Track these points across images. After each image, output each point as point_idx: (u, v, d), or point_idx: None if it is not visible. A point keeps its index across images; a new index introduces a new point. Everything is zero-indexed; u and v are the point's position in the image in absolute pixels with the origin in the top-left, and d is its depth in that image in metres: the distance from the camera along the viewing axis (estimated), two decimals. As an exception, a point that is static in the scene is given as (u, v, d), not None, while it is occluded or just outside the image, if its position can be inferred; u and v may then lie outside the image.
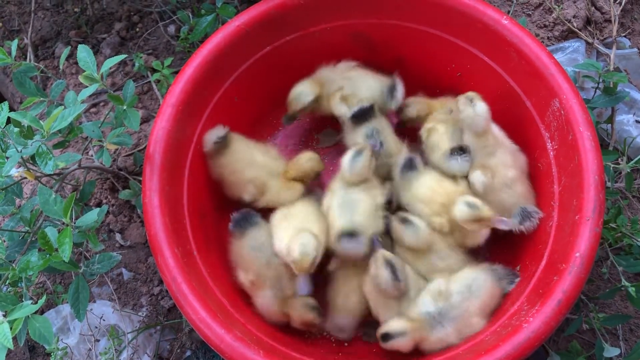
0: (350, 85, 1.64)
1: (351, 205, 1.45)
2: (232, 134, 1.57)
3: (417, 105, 1.65)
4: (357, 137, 1.58)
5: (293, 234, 1.38)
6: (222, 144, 1.54)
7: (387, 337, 1.35)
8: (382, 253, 1.38)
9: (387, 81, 1.66)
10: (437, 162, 1.54)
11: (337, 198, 1.48)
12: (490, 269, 1.41)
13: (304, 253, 1.33)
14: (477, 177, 1.47)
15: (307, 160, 1.57)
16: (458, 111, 1.50)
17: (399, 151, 1.57)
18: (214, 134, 1.54)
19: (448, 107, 1.61)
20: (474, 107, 1.46)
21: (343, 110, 1.60)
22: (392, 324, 1.35)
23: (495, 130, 1.51)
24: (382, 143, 1.56)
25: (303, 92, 1.63)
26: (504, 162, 1.49)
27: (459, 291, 1.37)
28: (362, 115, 1.57)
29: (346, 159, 1.48)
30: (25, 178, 1.40)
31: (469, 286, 1.38)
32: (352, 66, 1.68)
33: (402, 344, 1.34)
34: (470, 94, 1.49)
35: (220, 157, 1.54)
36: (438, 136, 1.56)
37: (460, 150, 1.49)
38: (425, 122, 1.62)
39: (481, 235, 1.47)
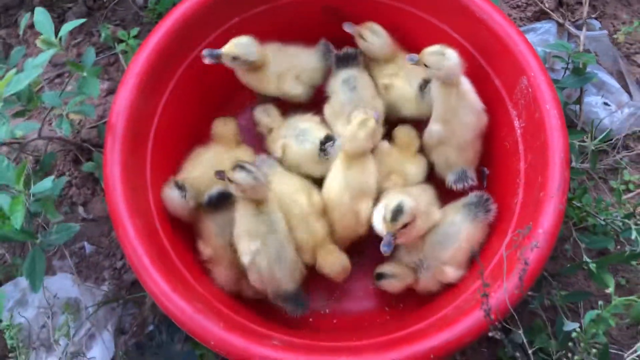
0: (295, 64, 1.64)
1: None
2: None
3: (380, 37, 1.63)
4: (335, 82, 1.61)
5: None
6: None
7: (380, 276, 1.45)
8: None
9: (318, 48, 1.67)
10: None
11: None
12: (466, 204, 1.46)
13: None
14: (435, 130, 1.51)
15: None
16: (426, 64, 1.46)
17: (375, 107, 1.58)
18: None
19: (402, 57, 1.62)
20: (447, 56, 1.44)
21: (299, 91, 1.63)
22: (386, 266, 1.45)
23: (465, 85, 1.50)
24: (355, 88, 1.58)
25: (249, 46, 1.53)
26: (465, 123, 1.50)
27: (431, 242, 1.42)
28: (346, 59, 1.61)
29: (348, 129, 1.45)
30: (-19, 146, 1.36)
31: (446, 233, 1.43)
32: (279, 47, 1.65)
33: (392, 285, 1.45)
34: (435, 46, 1.46)
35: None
36: (399, 92, 1.60)
37: (328, 139, 1.51)
38: (377, 68, 1.65)
39: None
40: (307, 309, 1.45)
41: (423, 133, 1.57)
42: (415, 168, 1.57)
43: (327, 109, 1.62)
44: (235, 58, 1.52)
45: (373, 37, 1.61)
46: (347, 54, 1.63)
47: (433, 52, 1.45)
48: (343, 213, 1.45)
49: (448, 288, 1.43)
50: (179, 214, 1.46)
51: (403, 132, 1.59)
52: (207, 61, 1.49)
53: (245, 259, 1.36)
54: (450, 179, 1.55)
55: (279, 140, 1.59)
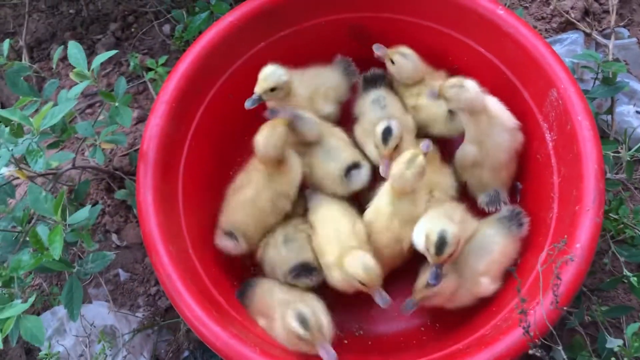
0: (320, 83, 1.64)
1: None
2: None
3: (410, 60, 1.60)
4: (364, 103, 1.61)
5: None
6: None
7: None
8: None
9: (338, 65, 1.68)
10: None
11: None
12: (498, 219, 1.43)
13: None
14: (471, 151, 1.49)
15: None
16: (446, 97, 1.45)
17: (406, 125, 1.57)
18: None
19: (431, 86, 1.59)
20: (465, 88, 1.42)
21: (331, 109, 1.63)
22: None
23: (494, 105, 1.48)
24: (385, 106, 1.59)
25: (276, 71, 1.50)
26: (499, 143, 1.47)
27: (468, 250, 1.39)
28: (374, 80, 1.62)
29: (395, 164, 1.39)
30: (18, 178, 1.39)
31: (479, 244, 1.40)
32: (300, 71, 1.64)
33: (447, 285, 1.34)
34: (453, 79, 1.45)
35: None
36: (427, 112, 1.59)
37: (354, 166, 1.50)
38: (404, 88, 1.64)
39: None
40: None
41: (454, 151, 1.56)
42: (448, 179, 1.55)
43: (358, 129, 1.61)
44: (272, 89, 1.49)
45: (403, 60, 1.59)
46: (374, 75, 1.63)
47: (452, 85, 1.44)
48: (391, 239, 1.42)
49: (485, 306, 1.40)
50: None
51: None
52: (249, 107, 1.47)
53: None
54: (482, 200, 1.53)
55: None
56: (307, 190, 1.55)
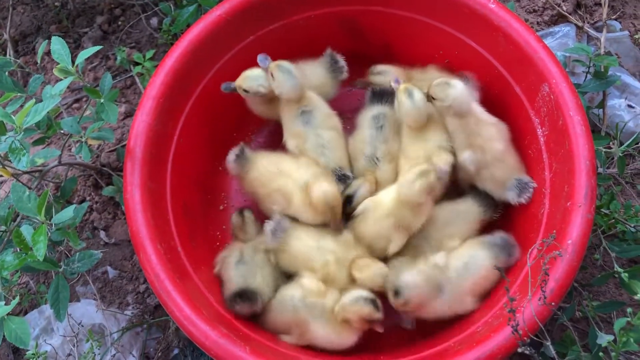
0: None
1: None
2: (255, 153, 1.53)
3: (390, 74, 1.58)
4: (365, 116, 1.57)
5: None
6: (244, 160, 1.50)
7: (397, 293, 1.33)
8: None
9: (324, 59, 1.64)
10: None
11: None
12: (490, 244, 1.39)
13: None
14: (468, 157, 1.44)
15: (321, 199, 1.40)
16: (433, 96, 1.44)
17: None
18: (231, 154, 1.51)
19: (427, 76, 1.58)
20: (452, 85, 1.41)
21: None
22: (403, 278, 1.34)
23: (475, 107, 1.46)
24: (382, 127, 1.54)
25: (258, 79, 1.50)
26: (490, 136, 1.45)
27: (456, 268, 1.36)
28: (381, 95, 1.57)
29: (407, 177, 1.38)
30: (2, 176, 1.36)
31: (466, 264, 1.37)
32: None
33: (417, 293, 1.33)
34: (440, 79, 1.44)
35: (249, 175, 1.50)
36: None
37: (348, 198, 1.48)
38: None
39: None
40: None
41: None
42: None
43: (351, 142, 1.58)
44: (245, 91, 1.50)
45: (282, 76, 1.48)
46: (383, 90, 1.58)
47: (438, 84, 1.42)
48: (377, 233, 1.42)
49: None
50: None
51: None
52: (223, 89, 1.51)
53: None
54: (511, 196, 1.45)
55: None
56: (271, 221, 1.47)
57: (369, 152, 1.53)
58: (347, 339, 1.36)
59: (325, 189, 1.40)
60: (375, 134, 1.54)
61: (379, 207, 1.43)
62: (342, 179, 1.50)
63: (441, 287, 1.35)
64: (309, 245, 1.42)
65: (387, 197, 1.43)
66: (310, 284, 1.37)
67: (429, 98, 1.44)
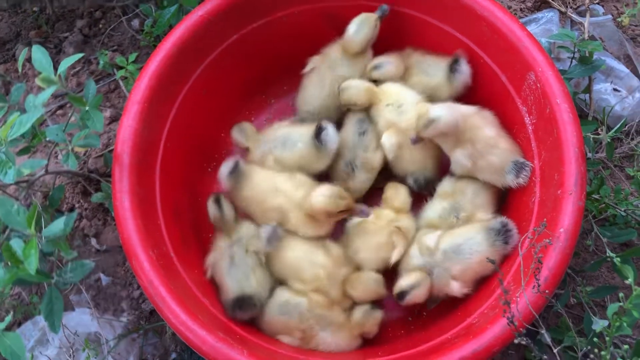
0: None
1: None
2: (249, 166, 1.52)
3: (392, 64, 1.60)
4: (351, 118, 1.59)
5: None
6: (239, 176, 1.49)
7: (402, 295, 1.39)
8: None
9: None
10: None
11: None
12: (488, 228, 1.40)
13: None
14: (459, 156, 1.45)
15: (321, 202, 1.42)
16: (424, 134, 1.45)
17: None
18: (225, 168, 1.49)
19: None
20: (438, 120, 1.41)
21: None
22: (403, 282, 1.40)
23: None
24: (365, 133, 1.56)
25: (356, 89, 1.56)
26: (477, 126, 1.45)
27: (444, 250, 1.40)
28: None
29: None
30: (-11, 188, 1.35)
31: (458, 245, 1.39)
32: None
33: (418, 295, 1.39)
34: (421, 111, 1.45)
35: (243, 192, 1.50)
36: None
37: (320, 129, 1.49)
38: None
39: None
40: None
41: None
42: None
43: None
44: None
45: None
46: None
47: (425, 124, 1.42)
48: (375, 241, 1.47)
49: (472, 293, 1.40)
50: None
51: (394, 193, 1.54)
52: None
53: None
54: (511, 180, 1.43)
55: (268, 157, 1.55)
56: (262, 227, 1.47)
57: (348, 157, 1.55)
58: (354, 344, 1.42)
59: (323, 192, 1.41)
60: (357, 140, 1.56)
61: (379, 219, 1.49)
62: None
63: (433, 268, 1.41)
64: (299, 257, 1.43)
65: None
66: (318, 297, 1.39)
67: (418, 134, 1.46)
